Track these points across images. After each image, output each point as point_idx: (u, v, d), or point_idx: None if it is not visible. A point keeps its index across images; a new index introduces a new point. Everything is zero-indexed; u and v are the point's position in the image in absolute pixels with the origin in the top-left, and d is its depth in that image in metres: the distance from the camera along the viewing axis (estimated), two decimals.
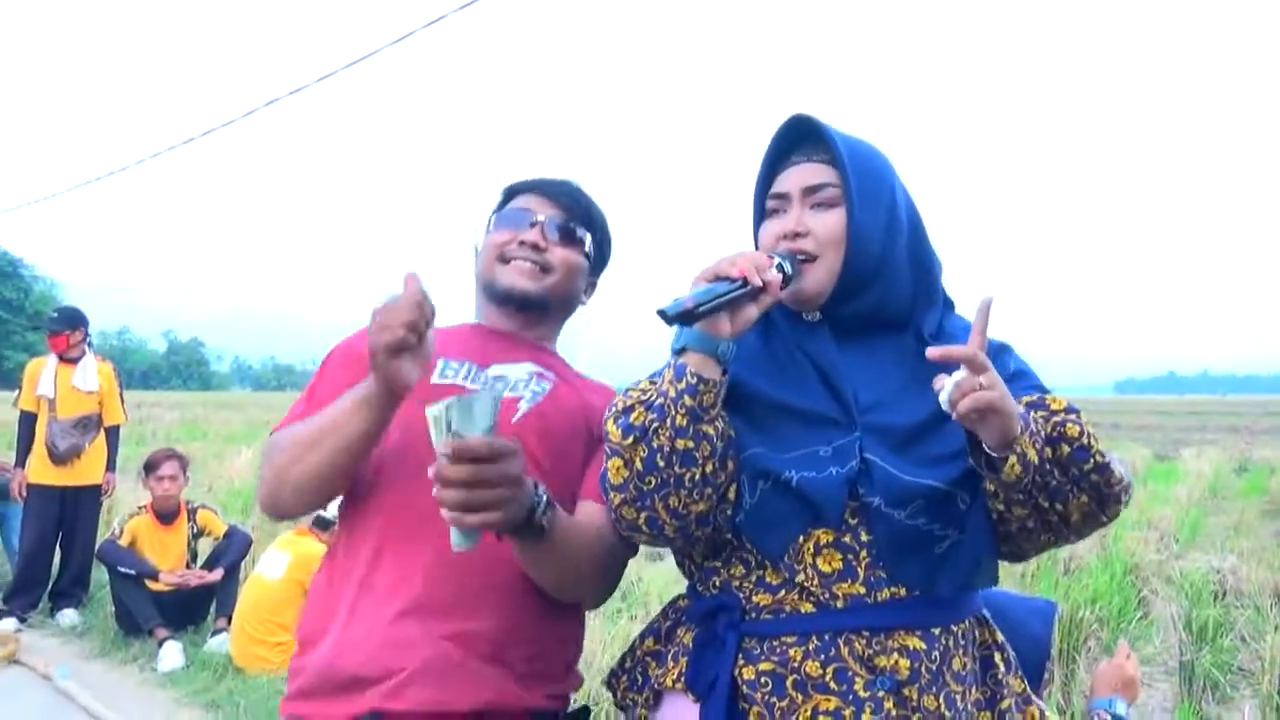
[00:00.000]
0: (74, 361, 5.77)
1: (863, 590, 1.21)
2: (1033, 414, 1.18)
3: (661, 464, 1.19)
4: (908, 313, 1.33)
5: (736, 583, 1.28)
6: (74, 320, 5.86)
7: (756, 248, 1.36)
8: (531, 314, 1.53)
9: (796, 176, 1.31)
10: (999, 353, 1.32)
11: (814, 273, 1.28)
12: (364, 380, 1.26)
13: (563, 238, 1.52)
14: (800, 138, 1.33)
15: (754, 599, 1.25)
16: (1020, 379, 1.30)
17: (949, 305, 1.41)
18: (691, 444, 1.18)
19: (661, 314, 1.16)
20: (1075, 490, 1.19)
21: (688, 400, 1.18)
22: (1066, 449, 1.18)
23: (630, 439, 1.21)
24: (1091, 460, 1.18)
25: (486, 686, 1.31)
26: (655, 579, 5.98)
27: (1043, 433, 1.17)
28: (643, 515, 1.23)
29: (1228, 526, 8.91)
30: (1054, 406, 1.21)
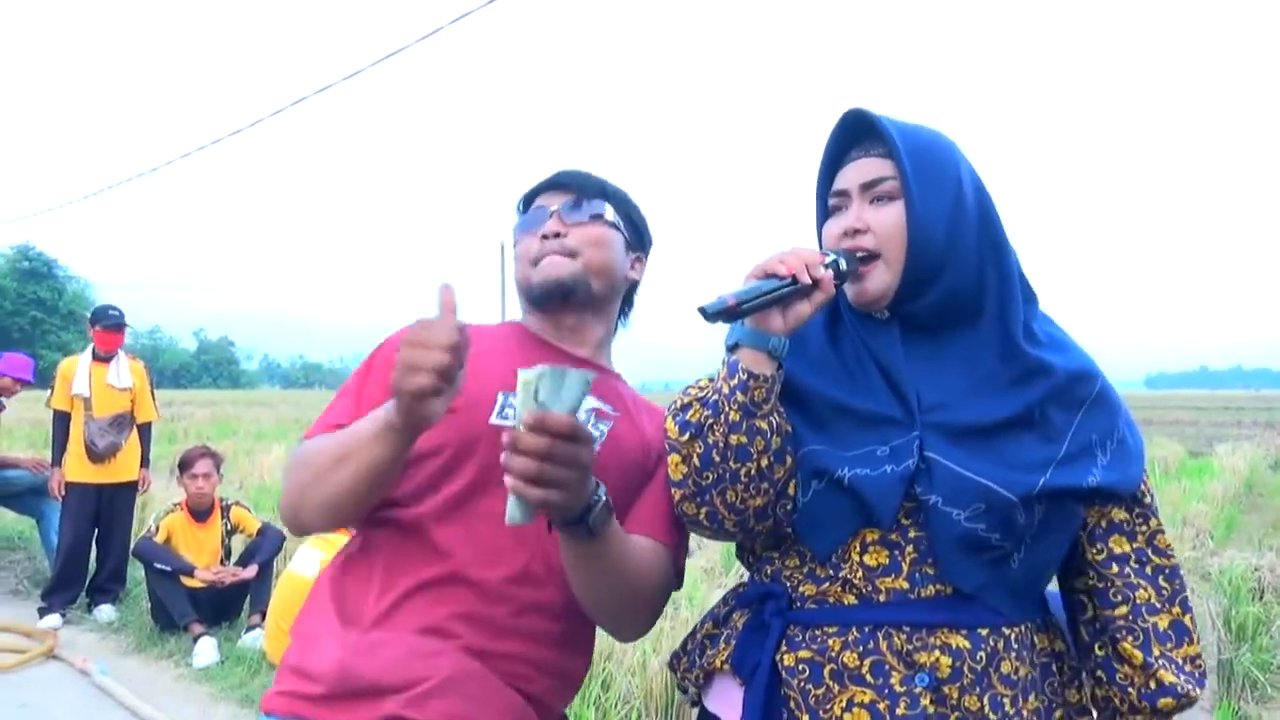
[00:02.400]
0: (107, 360, 5.86)
1: (906, 585, 1.20)
2: None
3: (717, 459, 1.21)
4: (982, 304, 1.28)
5: (788, 573, 1.29)
6: (125, 320, 5.95)
7: (820, 246, 1.34)
8: (577, 303, 1.48)
9: (854, 172, 1.29)
10: (1079, 381, 1.27)
11: (876, 274, 1.26)
12: (389, 404, 1.19)
13: (577, 216, 1.48)
14: (858, 133, 1.31)
15: (800, 589, 1.27)
16: (1099, 410, 1.27)
17: (1031, 298, 1.34)
18: (745, 439, 1.20)
19: (702, 311, 1.15)
20: None
21: (740, 396, 1.19)
22: None
23: (687, 435, 1.25)
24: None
25: (508, 708, 1.30)
26: (685, 573, 5.95)
27: None
28: (702, 510, 1.26)
29: (1265, 523, 8.77)
30: (1167, 710, 1.23)
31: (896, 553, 1.22)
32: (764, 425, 1.20)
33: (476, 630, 1.30)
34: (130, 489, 5.97)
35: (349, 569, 1.39)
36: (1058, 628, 1.32)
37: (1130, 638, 1.24)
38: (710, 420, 1.22)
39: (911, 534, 1.21)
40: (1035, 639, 1.25)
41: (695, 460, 1.24)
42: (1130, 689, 1.24)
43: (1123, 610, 1.25)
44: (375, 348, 1.47)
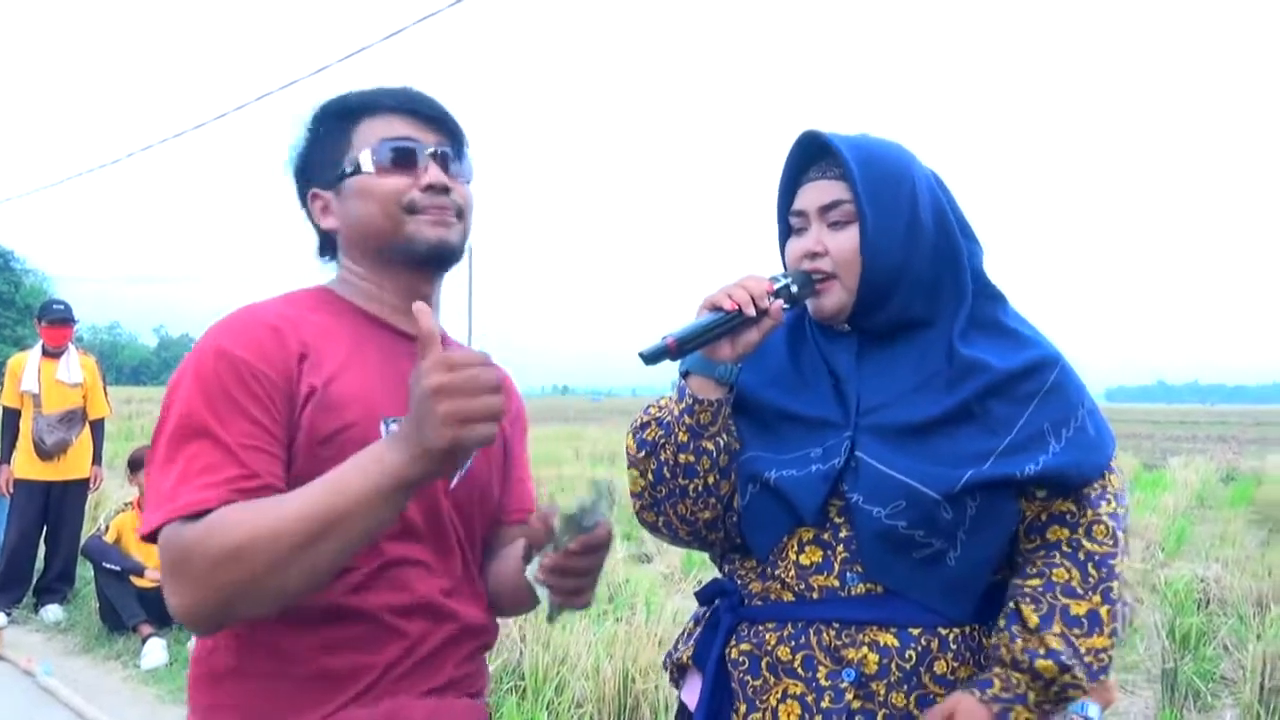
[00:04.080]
0: (56, 355, 5.76)
1: (836, 584, 1.25)
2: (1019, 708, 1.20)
3: (668, 475, 1.31)
4: (935, 312, 1.32)
5: (742, 572, 1.35)
6: (72, 314, 5.86)
7: (784, 263, 1.38)
8: (443, 271, 1.28)
9: (811, 195, 1.32)
10: (1029, 374, 1.27)
11: (831, 293, 1.31)
12: (390, 457, 0.98)
13: (457, 171, 1.25)
14: (814, 151, 1.34)
15: (750, 586, 1.33)
16: (1053, 401, 1.26)
17: (992, 296, 1.35)
18: (693, 458, 1.29)
19: (641, 356, 1.21)
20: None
21: (687, 419, 1.28)
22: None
23: (643, 453, 1.34)
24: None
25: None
26: (642, 581, 5.98)
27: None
28: (660, 519, 1.36)
29: (1213, 535, 8.95)
30: (1046, 675, 1.20)
31: (828, 552, 1.26)
32: (710, 446, 1.28)
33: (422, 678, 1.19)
34: (81, 487, 5.87)
35: (250, 673, 1.12)
36: None
37: (1032, 605, 1.22)
38: (663, 440, 1.31)
39: (843, 533, 1.26)
40: (983, 640, 1.27)
41: (650, 476, 1.33)
42: (1017, 640, 1.21)
43: (1035, 582, 1.24)
44: (192, 379, 1.09)
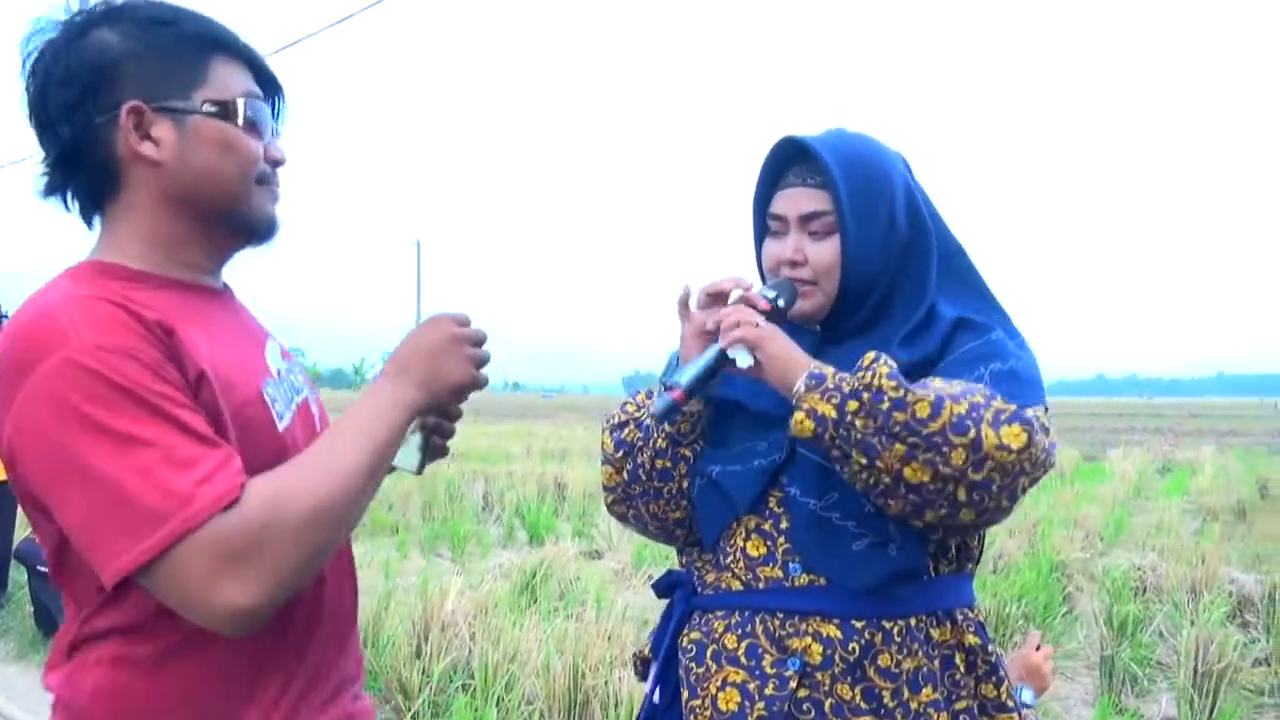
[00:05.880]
0: None
1: (780, 574, 1.27)
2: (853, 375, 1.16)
3: (643, 476, 1.37)
4: (899, 308, 1.32)
5: (699, 563, 1.38)
6: (1, 309, 5.68)
7: (759, 263, 1.39)
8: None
9: (792, 202, 1.31)
10: (977, 340, 1.26)
11: (812, 298, 1.32)
12: (404, 392, 1.04)
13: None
14: (793, 154, 1.33)
15: (704, 577, 1.36)
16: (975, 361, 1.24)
17: (954, 274, 1.35)
18: (669, 464, 1.35)
19: (654, 417, 1.30)
20: (884, 439, 1.11)
21: (667, 427, 1.34)
22: (866, 395, 1.13)
23: (620, 453, 1.40)
24: (886, 399, 1.11)
25: None
26: (593, 577, 5.98)
27: (847, 388, 1.15)
28: (630, 513, 1.43)
29: (1150, 525, 9.18)
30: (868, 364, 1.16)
31: (770, 543, 1.29)
32: (688, 453, 1.34)
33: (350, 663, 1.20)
34: (11, 488, 5.68)
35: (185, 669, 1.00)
36: (972, 621, 1.30)
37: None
38: (640, 443, 1.37)
39: (783, 524, 1.28)
40: (932, 632, 1.25)
41: (624, 475, 1.39)
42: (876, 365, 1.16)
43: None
44: (87, 380, 0.88)
